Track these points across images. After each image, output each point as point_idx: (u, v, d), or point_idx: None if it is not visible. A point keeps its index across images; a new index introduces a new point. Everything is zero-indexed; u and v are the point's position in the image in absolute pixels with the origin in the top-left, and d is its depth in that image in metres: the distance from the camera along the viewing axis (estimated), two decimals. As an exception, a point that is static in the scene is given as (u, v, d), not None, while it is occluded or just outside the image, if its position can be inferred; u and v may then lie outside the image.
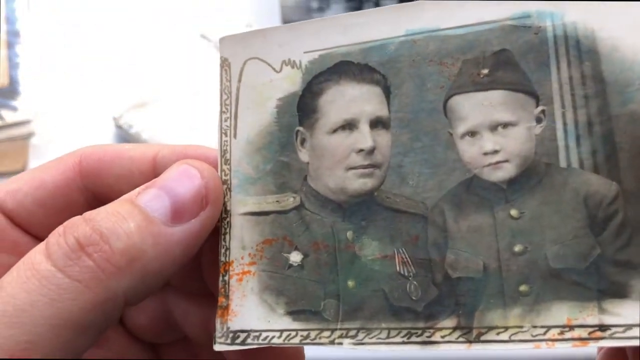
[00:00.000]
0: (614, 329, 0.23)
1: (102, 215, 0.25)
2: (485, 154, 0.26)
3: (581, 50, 0.26)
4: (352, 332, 0.27)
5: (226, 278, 0.29)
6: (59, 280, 0.23)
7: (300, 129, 0.29)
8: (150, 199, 0.26)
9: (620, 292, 0.23)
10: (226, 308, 0.29)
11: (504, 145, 0.26)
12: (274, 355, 0.30)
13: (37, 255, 0.24)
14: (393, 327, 0.26)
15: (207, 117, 0.77)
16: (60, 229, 0.25)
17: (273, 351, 0.29)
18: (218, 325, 0.28)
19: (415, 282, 0.26)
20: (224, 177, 0.30)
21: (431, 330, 0.25)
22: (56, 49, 0.90)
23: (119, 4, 0.94)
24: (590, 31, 0.26)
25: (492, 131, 0.26)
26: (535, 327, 0.24)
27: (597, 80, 0.25)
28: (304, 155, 0.29)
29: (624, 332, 0.23)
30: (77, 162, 0.31)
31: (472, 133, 0.27)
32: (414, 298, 0.26)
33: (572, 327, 0.24)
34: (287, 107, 0.30)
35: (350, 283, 0.27)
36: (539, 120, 0.26)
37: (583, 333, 0.23)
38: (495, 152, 0.26)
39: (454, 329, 0.25)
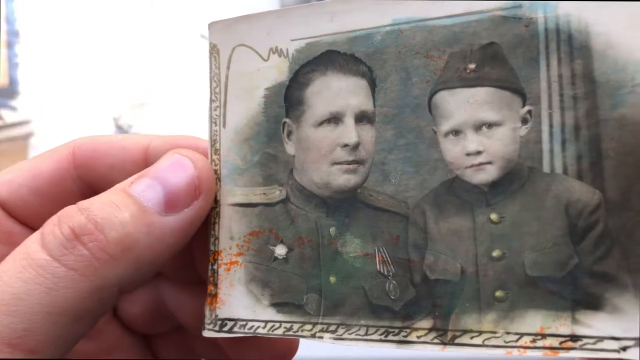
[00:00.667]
0: (585, 340, 0.23)
1: (97, 205, 0.26)
2: (468, 154, 0.26)
3: (573, 46, 0.24)
4: (333, 327, 0.27)
5: (215, 267, 0.30)
6: (55, 269, 0.24)
7: (287, 120, 0.29)
8: (144, 189, 0.27)
9: (594, 304, 0.23)
10: (215, 296, 0.29)
11: (487, 146, 0.25)
12: (265, 345, 0.31)
13: (32, 244, 0.25)
14: (371, 325, 0.27)
15: (206, 117, 0.78)
16: (54, 218, 0.26)
17: (263, 341, 0.30)
18: (207, 312, 0.29)
19: (394, 282, 0.26)
20: (214, 167, 0.30)
21: (407, 330, 0.26)
22: (56, 49, 0.90)
23: (119, 4, 0.92)
24: (584, 25, 0.24)
25: (477, 131, 0.25)
26: (508, 333, 0.24)
27: (588, 80, 0.24)
28: (290, 147, 0.29)
29: (594, 343, 0.23)
30: (70, 153, 0.31)
31: (456, 132, 0.26)
32: (392, 297, 0.26)
33: (544, 336, 0.24)
34: (275, 97, 0.29)
35: (332, 279, 0.28)
36: (524, 121, 0.25)
37: (555, 342, 0.23)
38: (479, 153, 0.25)
39: (430, 330, 0.26)
